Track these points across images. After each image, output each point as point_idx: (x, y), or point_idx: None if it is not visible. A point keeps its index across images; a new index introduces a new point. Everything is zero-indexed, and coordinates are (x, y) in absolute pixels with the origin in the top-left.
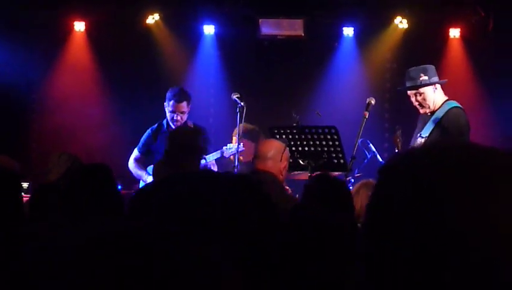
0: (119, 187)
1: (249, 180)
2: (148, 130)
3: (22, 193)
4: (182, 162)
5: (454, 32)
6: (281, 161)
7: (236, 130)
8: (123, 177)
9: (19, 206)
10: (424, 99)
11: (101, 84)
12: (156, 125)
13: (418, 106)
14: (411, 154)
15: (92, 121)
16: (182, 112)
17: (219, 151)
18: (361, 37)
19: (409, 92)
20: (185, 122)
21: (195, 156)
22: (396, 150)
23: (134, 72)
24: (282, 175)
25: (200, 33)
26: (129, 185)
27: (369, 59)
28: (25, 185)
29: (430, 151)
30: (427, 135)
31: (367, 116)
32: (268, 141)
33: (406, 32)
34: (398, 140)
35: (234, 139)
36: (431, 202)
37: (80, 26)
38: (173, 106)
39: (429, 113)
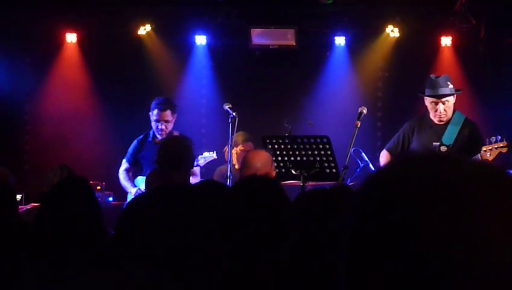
0: (111, 199)
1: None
2: (135, 141)
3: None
4: (171, 173)
5: (446, 41)
6: (270, 170)
7: (229, 143)
8: (115, 189)
9: (14, 217)
10: (449, 107)
11: (92, 95)
12: (142, 135)
13: (442, 114)
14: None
15: (84, 132)
16: (166, 121)
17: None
18: (353, 46)
19: (432, 99)
20: (170, 132)
21: (184, 167)
22: None
23: (127, 83)
24: None
25: (192, 43)
26: (121, 197)
27: (361, 68)
28: (18, 196)
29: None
30: (451, 143)
31: (359, 126)
32: (256, 151)
33: (398, 41)
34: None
35: (226, 151)
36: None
37: (71, 37)
38: (157, 114)
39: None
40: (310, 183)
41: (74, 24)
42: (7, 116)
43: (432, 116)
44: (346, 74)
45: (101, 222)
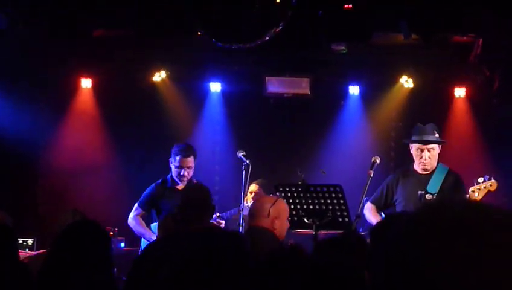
0: (123, 245)
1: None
2: (152, 186)
3: (18, 248)
4: (193, 220)
5: (460, 92)
6: (277, 218)
7: (250, 188)
8: (127, 235)
9: (14, 257)
10: (434, 156)
11: (106, 140)
12: (159, 181)
13: (426, 162)
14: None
15: (98, 177)
16: (189, 167)
17: (236, 209)
18: (366, 96)
19: (418, 146)
20: (190, 179)
21: (206, 214)
22: None
23: (141, 129)
24: (279, 232)
25: (207, 90)
26: (133, 243)
27: (375, 117)
28: (30, 241)
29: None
30: (436, 192)
31: (372, 175)
32: (263, 197)
33: (411, 91)
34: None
35: (249, 196)
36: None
37: (86, 82)
38: (180, 161)
39: (428, 172)
40: (322, 231)
41: (89, 69)
42: (22, 159)
43: (416, 163)
44: (360, 123)
45: (112, 268)
